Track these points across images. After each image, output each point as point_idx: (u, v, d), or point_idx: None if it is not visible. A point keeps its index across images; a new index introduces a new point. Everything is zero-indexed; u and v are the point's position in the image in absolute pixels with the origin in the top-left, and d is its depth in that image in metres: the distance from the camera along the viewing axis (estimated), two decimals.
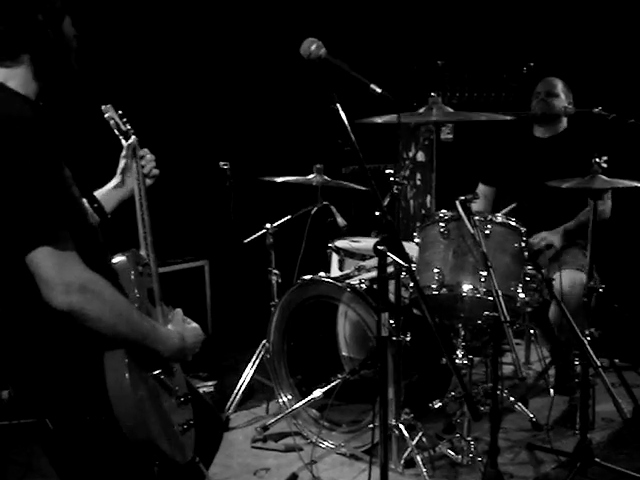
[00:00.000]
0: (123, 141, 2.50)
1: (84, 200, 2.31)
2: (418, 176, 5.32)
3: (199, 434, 2.27)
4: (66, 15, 2.08)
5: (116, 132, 2.49)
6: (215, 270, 5.09)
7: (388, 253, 2.46)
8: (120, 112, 2.51)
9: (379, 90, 2.42)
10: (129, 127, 2.51)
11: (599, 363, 3.26)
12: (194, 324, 2.27)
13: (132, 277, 2.15)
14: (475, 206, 3.40)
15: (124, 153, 2.52)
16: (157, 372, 2.11)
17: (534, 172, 4.21)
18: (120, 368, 1.97)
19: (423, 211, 5.29)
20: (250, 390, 4.33)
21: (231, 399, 4.18)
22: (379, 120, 3.58)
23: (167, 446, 2.05)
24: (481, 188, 4.49)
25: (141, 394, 1.99)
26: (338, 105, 2.40)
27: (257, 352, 4.26)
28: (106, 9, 4.76)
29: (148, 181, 2.52)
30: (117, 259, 2.16)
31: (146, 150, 2.54)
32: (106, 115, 2.48)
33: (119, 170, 2.53)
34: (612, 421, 3.95)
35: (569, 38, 5.31)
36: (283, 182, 4.27)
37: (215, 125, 5.50)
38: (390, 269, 3.70)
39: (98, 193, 2.49)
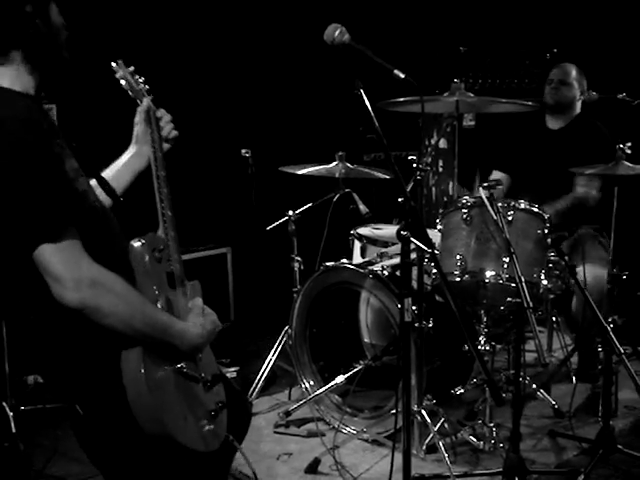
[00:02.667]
0: (138, 102, 2.33)
1: (95, 184, 2.22)
2: (440, 163, 5.31)
3: (230, 416, 2.27)
4: (52, 3, 2.02)
5: (130, 93, 2.32)
6: (238, 257, 5.11)
7: (411, 239, 2.47)
8: (132, 68, 2.34)
9: (402, 75, 2.43)
10: (143, 85, 2.33)
11: (622, 350, 3.25)
12: (211, 313, 2.22)
13: (147, 266, 2.06)
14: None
15: (138, 117, 2.37)
16: (180, 365, 2.07)
17: (545, 162, 4.21)
18: (136, 362, 1.94)
19: (445, 198, 5.28)
20: (273, 376, 4.36)
21: (254, 385, 4.21)
22: (401, 101, 3.56)
23: (187, 438, 2.03)
24: (495, 175, 4.49)
25: (158, 391, 1.97)
26: (362, 90, 2.41)
27: (279, 338, 4.28)
28: None
29: (166, 145, 2.36)
30: (133, 245, 2.04)
31: (163, 111, 2.36)
32: (117, 75, 2.31)
33: (134, 138, 2.40)
34: (635, 409, 3.94)
35: (592, 24, 5.27)
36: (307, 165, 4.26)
37: (237, 112, 5.50)
38: (412, 255, 3.72)
39: (111, 169, 2.38)
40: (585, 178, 4.15)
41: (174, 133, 2.38)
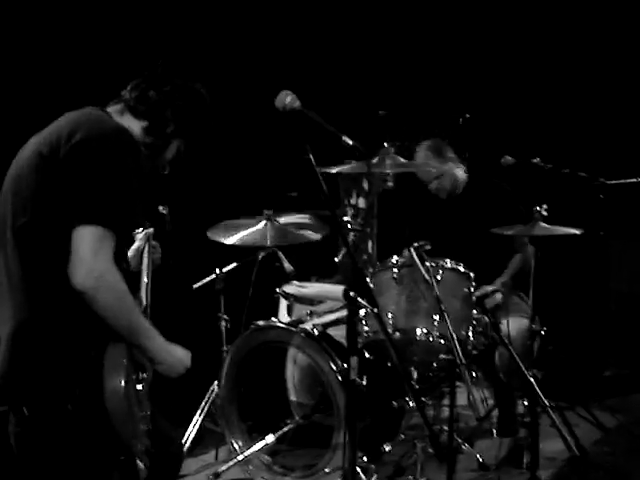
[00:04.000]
0: (141, 230, 2.91)
1: None
2: (360, 222, 5.42)
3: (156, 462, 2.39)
4: (183, 141, 2.49)
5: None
6: (157, 315, 5.04)
7: (358, 299, 2.54)
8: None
9: (351, 142, 2.52)
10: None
11: (547, 403, 3.39)
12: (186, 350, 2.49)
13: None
14: None
15: (140, 237, 2.91)
16: (143, 375, 2.32)
17: (458, 226, 4.36)
18: (118, 367, 2.15)
19: (365, 257, 5.38)
20: (199, 437, 4.29)
21: None
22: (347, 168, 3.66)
23: (137, 450, 2.25)
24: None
25: (130, 396, 2.17)
26: (311, 156, 2.49)
27: (206, 398, 4.24)
28: None
29: (152, 265, 2.92)
30: None
31: (156, 243, 2.99)
32: None
33: (132, 248, 2.85)
34: (555, 459, 4.07)
35: (504, 89, 5.55)
36: (231, 223, 4.25)
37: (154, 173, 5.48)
38: (342, 313, 3.80)
39: None
40: (520, 239, 4.32)
41: (158, 262, 3.00)
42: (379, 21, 5.77)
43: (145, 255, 2.90)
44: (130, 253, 2.78)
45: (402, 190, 4.77)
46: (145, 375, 2.32)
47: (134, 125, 2.39)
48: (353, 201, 5.34)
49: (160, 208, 5.21)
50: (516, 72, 5.59)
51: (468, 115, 5.20)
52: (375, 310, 2.57)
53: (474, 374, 4.61)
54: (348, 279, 3.45)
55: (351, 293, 2.52)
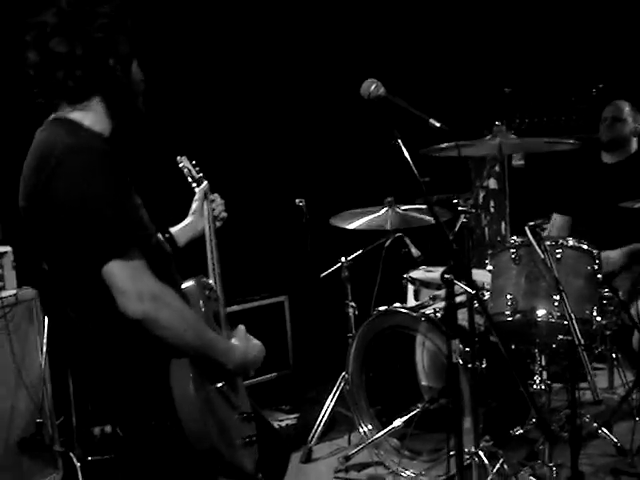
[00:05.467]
0: (195, 187, 2.72)
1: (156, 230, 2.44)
2: (492, 203, 5.34)
3: (264, 455, 2.37)
4: (134, 59, 2.25)
5: (189, 179, 2.73)
6: (295, 305, 5.20)
7: (455, 281, 2.53)
8: (194, 162, 2.75)
9: (438, 124, 2.50)
10: (201, 175, 2.74)
11: None
12: (256, 340, 2.38)
13: (200, 300, 2.32)
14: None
15: (196, 197, 2.72)
16: (220, 385, 2.24)
17: (605, 198, 4.20)
18: (185, 377, 2.10)
19: (499, 238, 5.30)
20: (332, 422, 4.39)
21: (313, 431, 4.25)
22: (442, 147, 3.62)
23: (230, 454, 2.17)
24: (556, 218, 4.50)
25: (204, 403, 2.12)
26: (400, 141, 2.50)
27: (337, 384, 4.32)
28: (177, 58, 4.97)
29: (217, 223, 2.70)
30: (186, 284, 2.33)
31: (216, 195, 2.74)
32: (180, 165, 2.73)
33: (191, 211, 2.72)
34: None
35: (637, 58, 5.27)
36: (354, 212, 4.33)
37: (290, 164, 5.64)
38: (463, 297, 3.75)
39: (172, 229, 2.66)
40: None
41: (223, 214, 2.74)
42: None
43: (205, 214, 2.67)
44: (189, 218, 2.70)
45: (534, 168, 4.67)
46: (220, 384, 2.25)
47: (91, 112, 2.18)
48: (485, 183, 5.27)
49: (297, 201, 5.38)
50: None
51: (601, 85, 5.00)
52: (474, 292, 2.53)
53: (614, 355, 4.48)
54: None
55: (447, 276, 2.50)
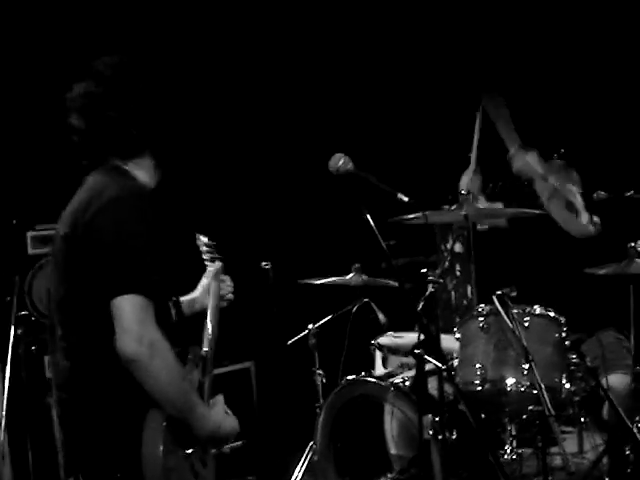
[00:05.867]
0: (209, 265, 2.82)
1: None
2: (457, 267, 5.35)
3: None
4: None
5: (204, 257, 2.84)
6: (261, 371, 5.13)
7: (425, 356, 2.51)
8: (213, 242, 2.88)
9: (405, 199, 2.51)
10: (217, 255, 2.85)
11: None
12: (232, 416, 2.41)
13: (187, 366, 2.36)
14: None
15: (207, 274, 2.81)
16: (190, 451, 2.24)
17: (567, 265, 4.22)
18: (157, 435, 2.12)
19: (465, 302, 5.30)
20: None
21: None
22: (410, 217, 3.63)
23: None
24: None
25: (169, 466, 2.13)
26: (368, 216, 2.50)
27: (305, 454, 4.25)
28: None
29: (223, 303, 2.79)
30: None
31: (227, 277, 2.85)
32: (198, 242, 2.84)
33: (199, 286, 2.81)
34: None
35: (598, 124, 5.38)
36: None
37: (257, 227, 5.63)
38: (432, 365, 3.73)
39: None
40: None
41: (230, 296, 2.85)
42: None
43: (212, 293, 2.75)
44: (197, 292, 2.78)
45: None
46: (190, 451, 2.25)
47: (140, 165, 2.37)
48: (449, 246, 5.28)
49: (263, 264, 5.36)
50: (609, 104, 5.41)
51: (563, 150, 5.07)
52: (444, 367, 2.51)
53: (583, 419, 4.47)
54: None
55: (417, 351, 2.49)
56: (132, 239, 2.16)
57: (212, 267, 2.81)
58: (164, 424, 2.13)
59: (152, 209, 2.25)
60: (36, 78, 4.83)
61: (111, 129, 2.29)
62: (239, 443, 2.55)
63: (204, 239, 2.86)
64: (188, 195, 5.17)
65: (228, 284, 2.85)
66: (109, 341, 2.10)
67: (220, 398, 2.43)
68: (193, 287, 2.83)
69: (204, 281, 2.81)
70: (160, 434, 2.11)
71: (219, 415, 2.33)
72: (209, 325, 2.64)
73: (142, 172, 2.37)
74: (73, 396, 2.24)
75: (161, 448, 2.10)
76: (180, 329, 2.51)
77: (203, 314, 2.71)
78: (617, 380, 3.80)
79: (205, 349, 2.55)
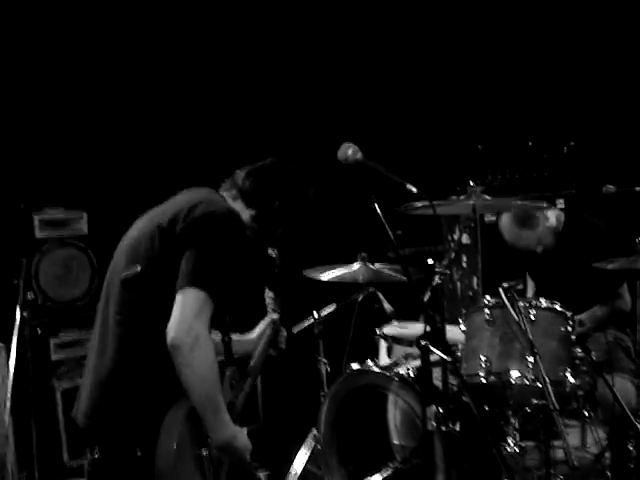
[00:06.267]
0: (271, 314, 3.10)
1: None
2: (464, 258, 5.34)
3: None
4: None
5: (269, 308, 3.12)
6: (265, 358, 5.12)
7: (431, 347, 2.50)
8: (279, 297, 3.15)
9: (414, 189, 2.49)
10: (279, 308, 3.12)
11: None
12: (247, 438, 2.52)
13: (224, 385, 2.51)
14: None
15: (264, 321, 3.09)
16: (204, 453, 2.33)
17: (556, 266, 4.21)
18: (176, 424, 2.23)
19: (470, 293, 5.29)
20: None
21: None
22: (418, 206, 3.61)
23: None
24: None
25: (181, 457, 2.23)
26: (376, 205, 2.49)
27: (307, 441, 4.25)
28: None
29: (272, 351, 3.07)
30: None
31: (284, 330, 3.15)
32: (266, 294, 3.13)
33: (256, 331, 3.08)
34: None
35: (606, 116, 5.35)
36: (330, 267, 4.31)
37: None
38: (437, 356, 3.72)
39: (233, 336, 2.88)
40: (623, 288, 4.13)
41: (283, 346, 3.14)
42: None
43: (264, 338, 3.03)
44: (253, 334, 3.02)
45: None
46: (205, 452, 2.35)
47: (244, 212, 2.65)
48: (456, 237, 5.28)
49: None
50: (615, 98, 5.38)
51: (573, 143, 5.06)
52: (449, 359, 2.50)
53: (586, 413, 4.47)
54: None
55: (422, 342, 2.48)
56: (221, 250, 2.40)
57: (271, 316, 3.08)
58: (185, 416, 2.23)
59: (245, 237, 2.57)
60: (42, 60, 4.83)
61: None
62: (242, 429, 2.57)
63: (271, 293, 3.13)
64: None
65: (284, 335, 3.14)
66: (162, 324, 2.25)
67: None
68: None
69: (260, 327, 3.08)
70: (178, 425, 2.22)
71: (237, 428, 2.43)
72: (254, 359, 2.93)
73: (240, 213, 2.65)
74: (113, 365, 2.36)
75: (176, 439, 2.19)
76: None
77: None
78: (618, 383, 3.79)
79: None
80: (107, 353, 2.39)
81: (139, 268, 2.44)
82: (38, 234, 4.71)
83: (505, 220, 4.23)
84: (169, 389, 2.28)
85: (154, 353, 2.30)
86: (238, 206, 2.65)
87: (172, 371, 2.25)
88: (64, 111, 4.87)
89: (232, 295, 2.55)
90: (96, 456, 2.29)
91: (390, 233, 2.50)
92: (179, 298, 2.29)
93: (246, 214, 2.65)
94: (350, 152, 2.49)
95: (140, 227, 2.60)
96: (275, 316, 3.09)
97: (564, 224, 4.30)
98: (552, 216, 4.22)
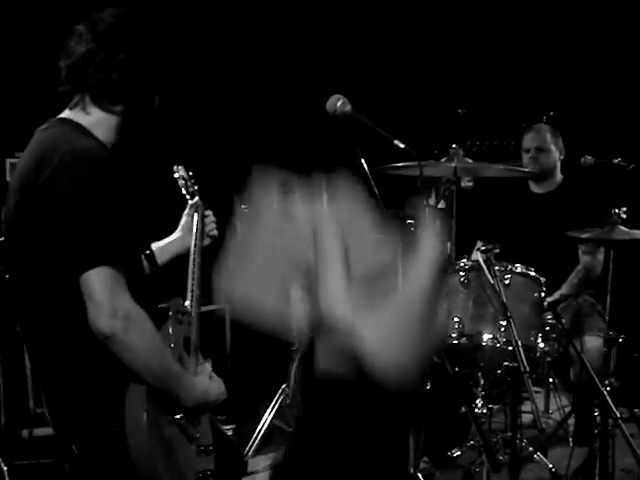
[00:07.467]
0: (189, 199, 2.63)
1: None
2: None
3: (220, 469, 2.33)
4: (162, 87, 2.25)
5: (183, 191, 2.64)
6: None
7: None
8: (190, 173, 2.67)
9: (402, 145, 2.49)
10: (196, 187, 2.65)
11: (618, 414, 3.26)
12: (218, 380, 2.33)
13: (170, 324, 2.26)
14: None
15: (187, 211, 2.63)
16: (179, 417, 2.17)
17: (534, 228, 4.23)
18: (139, 405, 2.04)
19: None
20: (269, 435, 4.33)
21: (250, 443, 4.19)
22: (400, 166, 3.60)
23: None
24: (478, 245, 4.49)
25: (156, 433, 2.06)
26: (363, 160, 2.48)
27: (276, 397, 4.27)
28: None
29: (206, 241, 2.61)
30: (160, 306, 2.27)
31: (210, 212, 2.65)
32: (176, 175, 2.64)
33: (180, 226, 2.63)
34: (631, 472, 3.91)
35: (587, 87, 5.37)
36: None
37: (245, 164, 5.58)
38: None
39: (156, 245, 2.56)
40: (590, 245, 4.17)
41: (214, 232, 2.64)
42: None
43: (193, 229, 2.57)
44: (177, 232, 2.61)
45: (479, 190, 4.69)
46: (179, 416, 2.17)
47: (110, 120, 2.17)
48: (432, 202, 5.27)
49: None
50: (597, 69, 5.39)
51: (552, 113, 5.07)
52: None
53: (551, 380, 4.54)
54: None
55: None
56: (94, 207, 2.00)
57: (192, 202, 2.63)
58: (145, 395, 2.04)
59: (111, 168, 2.09)
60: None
61: (99, 62, 2.11)
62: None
63: (182, 172, 2.64)
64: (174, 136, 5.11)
65: (211, 219, 2.65)
66: (81, 319, 1.98)
67: (207, 365, 2.35)
68: (174, 227, 2.66)
69: (183, 220, 2.64)
70: (142, 405, 2.03)
71: (204, 382, 2.23)
72: (191, 269, 2.49)
73: (101, 129, 2.16)
74: (52, 378, 2.14)
75: (145, 419, 2.02)
76: (155, 282, 2.42)
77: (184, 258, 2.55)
78: (590, 341, 3.86)
79: (188, 302, 2.42)
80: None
81: (26, 269, 2.11)
82: (9, 178, 4.63)
83: (542, 126, 4.44)
84: (111, 380, 2.06)
85: (82, 351, 2.05)
86: (98, 116, 2.15)
87: (108, 361, 2.02)
88: (37, 56, 4.76)
89: (133, 240, 2.19)
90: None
91: (375, 189, 2.48)
92: (84, 288, 1.97)
93: (113, 120, 2.17)
94: (339, 104, 2.48)
95: (7, 209, 2.17)
96: (194, 200, 2.62)
97: (563, 178, 4.39)
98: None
